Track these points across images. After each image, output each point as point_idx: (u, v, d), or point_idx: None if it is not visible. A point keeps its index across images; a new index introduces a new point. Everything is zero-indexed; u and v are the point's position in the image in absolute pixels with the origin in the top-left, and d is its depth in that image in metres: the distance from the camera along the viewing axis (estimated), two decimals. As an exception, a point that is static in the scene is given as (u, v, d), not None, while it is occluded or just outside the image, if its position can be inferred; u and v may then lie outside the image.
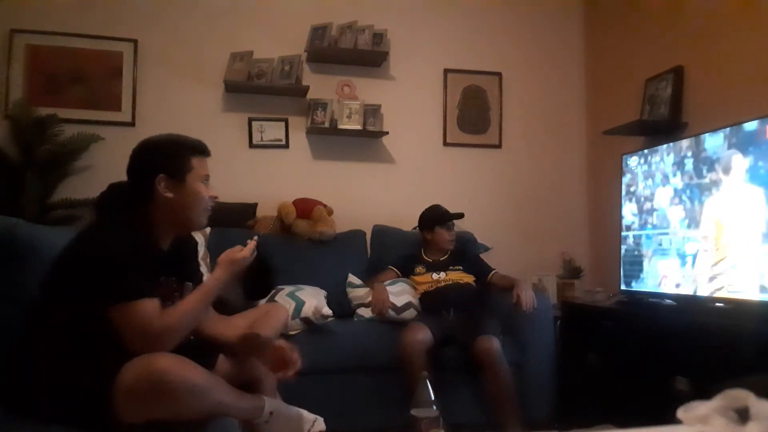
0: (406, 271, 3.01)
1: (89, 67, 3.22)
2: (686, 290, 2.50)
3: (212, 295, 1.55)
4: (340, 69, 3.58)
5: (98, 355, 1.39)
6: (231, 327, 1.73)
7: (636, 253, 2.86)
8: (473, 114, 3.78)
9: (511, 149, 3.81)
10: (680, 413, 0.94)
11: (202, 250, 2.76)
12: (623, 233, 2.97)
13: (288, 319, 2.48)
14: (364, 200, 3.53)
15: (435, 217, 3.02)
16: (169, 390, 1.30)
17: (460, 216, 3.05)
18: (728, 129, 2.33)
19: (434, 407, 1.36)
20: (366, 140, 3.58)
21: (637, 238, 2.87)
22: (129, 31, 3.29)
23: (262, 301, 2.64)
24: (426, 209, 3.07)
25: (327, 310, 2.61)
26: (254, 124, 3.44)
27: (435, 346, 2.56)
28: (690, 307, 2.43)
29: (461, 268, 2.95)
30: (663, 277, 2.67)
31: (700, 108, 2.92)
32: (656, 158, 2.75)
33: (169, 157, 1.56)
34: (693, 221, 2.50)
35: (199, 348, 1.61)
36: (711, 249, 2.40)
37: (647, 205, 2.81)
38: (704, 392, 0.97)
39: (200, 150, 1.64)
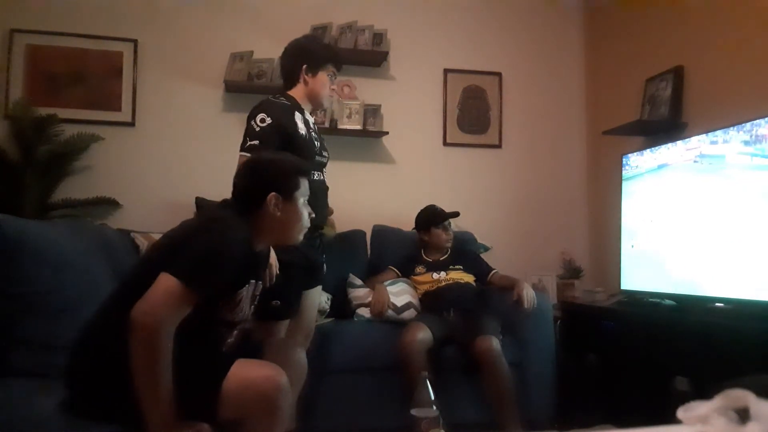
0: (407, 271, 3.01)
1: (89, 67, 3.22)
2: (686, 290, 2.51)
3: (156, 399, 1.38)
4: (340, 69, 3.58)
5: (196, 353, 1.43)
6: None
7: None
8: (473, 114, 3.78)
9: (511, 149, 3.81)
10: (680, 413, 0.94)
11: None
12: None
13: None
14: (364, 200, 3.53)
15: (430, 218, 3.02)
16: (276, 408, 1.42)
17: (455, 215, 3.05)
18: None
19: (434, 407, 1.36)
20: (366, 140, 3.58)
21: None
22: (129, 31, 3.29)
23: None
24: (421, 210, 3.07)
25: (323, 305, 2.63)
26: (254, 124, 3.43)
27: (435, 346, 2.56)
28: (690, 307, 2.43)
29: (461, 267, 2.95)
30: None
31: (700, 108, 2.92)
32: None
33: (283, 177, 1.63)
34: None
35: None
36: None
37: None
38: (704, 392, 0.97)
39: (306, 171, 1.72)
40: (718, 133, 2.43)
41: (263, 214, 1.58)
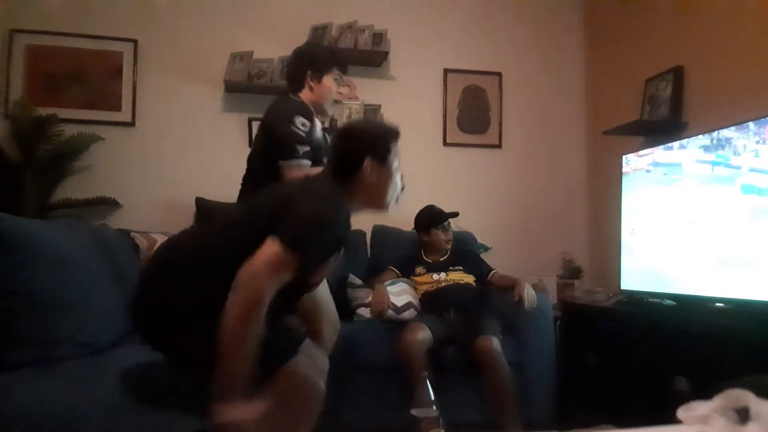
0: (407, 272, 3.01)
1: (89, 67, 3.23)
2: (686, 290, 2.51)
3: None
4: (341, 69, 3.58)
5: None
6: None
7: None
8: (473, 114, 3.78)
9: (511, 149, 3.81)
10: (680, 413, 0.94)
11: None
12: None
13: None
14: (364, 200, 3.52)
15: (429, 219, 3.02)
16: (309, 406, 1.49)
17: (455, 215, 3.05)
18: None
19: (434, 407, 1.36)
20: (366, 140, 3.57)
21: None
22: (129, 31, 3.30)
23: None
24: (420, 211, 3.07)
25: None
26: (254, 124, 3.42)
27: (435, 346, 2.56)
28: (690, 307, 2.43)
29: (461, 268, 2.95)
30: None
31: (700, 108, 2.92)
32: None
33: (379, 141, 1.66)
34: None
35: None
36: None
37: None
38: (704, 392, 0.97)
39: (398, 136, 1.74)
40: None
41: (359, 179, 1.60)
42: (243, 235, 1.45)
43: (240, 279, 1.34)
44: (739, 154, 2.30)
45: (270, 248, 1.38)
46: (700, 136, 2.49)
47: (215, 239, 1.54)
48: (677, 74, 3.03)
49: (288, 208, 1.46)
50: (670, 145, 2.69)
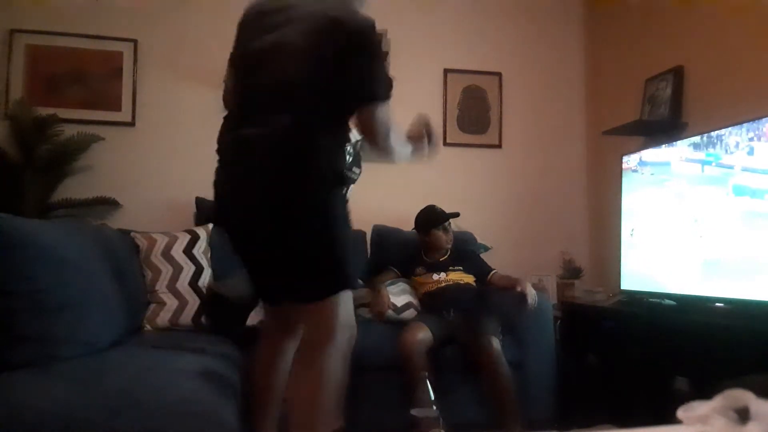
0: (407, 272, 3.01)
1: (89, 67, 3.23)
2: (686, 290, 2.51)
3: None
4: (340, 69, 3.57)
5: None
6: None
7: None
8: (473, 114, 3.78)
9: (511, 149, 3.81)
10: (680, 413, 0.94)
11: (203, 245, 2.77)
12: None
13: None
14: (364, 200, 3.51)
15: (430, 219, 3.01)
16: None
17: (455, 215, 3.05)
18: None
19: (434, 407, 1.36)
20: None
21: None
22: (129, 31, 3.30)
23: None
24: (420, 211, 3.07)
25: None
26: (254, 124, 3.43)
27: (435, 346, 2.56)
28: (690, 307, 2.43)
29: (461, 268, 2.95)
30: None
31: (700, 108, 2.92)
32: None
33: None
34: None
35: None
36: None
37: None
38: (704, 392, 0.97)
39: None
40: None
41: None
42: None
43: (378, 149, 1.65)
44: (732, 153, 2.29)
45: (376, 114, 1.62)
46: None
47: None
48: (677, 74, 3.03)
49: (359, 62, 1.58)
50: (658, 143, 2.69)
